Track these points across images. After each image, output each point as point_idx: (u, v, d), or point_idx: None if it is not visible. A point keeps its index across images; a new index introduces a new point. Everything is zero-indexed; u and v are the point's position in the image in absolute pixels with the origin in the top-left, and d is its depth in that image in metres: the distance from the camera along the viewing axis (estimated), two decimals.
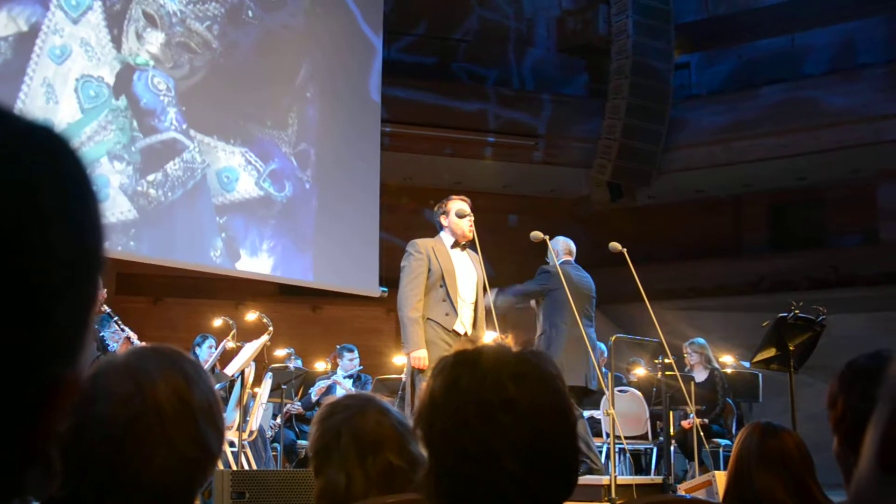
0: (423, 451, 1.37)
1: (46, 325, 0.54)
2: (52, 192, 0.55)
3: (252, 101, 9.13)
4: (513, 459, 1.25)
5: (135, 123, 8.12)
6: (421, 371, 5.34)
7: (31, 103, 7.33)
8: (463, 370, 1.32)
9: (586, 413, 7.48)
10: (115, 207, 7.82)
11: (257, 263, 8.97)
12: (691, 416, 7.04)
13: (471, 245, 5.78)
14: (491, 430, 1.25)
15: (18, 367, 0.54)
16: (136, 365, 1.30)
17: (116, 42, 8.01)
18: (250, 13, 9.11)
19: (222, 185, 8.71)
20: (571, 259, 7.01)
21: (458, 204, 5.76)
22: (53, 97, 7.52)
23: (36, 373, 0.55)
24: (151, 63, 8.29)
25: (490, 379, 1.29)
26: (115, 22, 8.01)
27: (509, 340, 1.49)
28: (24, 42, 7.37)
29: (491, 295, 6.49)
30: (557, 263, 6.70)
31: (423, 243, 5.67)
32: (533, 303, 6.84)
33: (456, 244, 5.70)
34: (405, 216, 13.42)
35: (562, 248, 6.98)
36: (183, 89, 8.58)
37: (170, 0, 8.49)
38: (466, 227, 5.70)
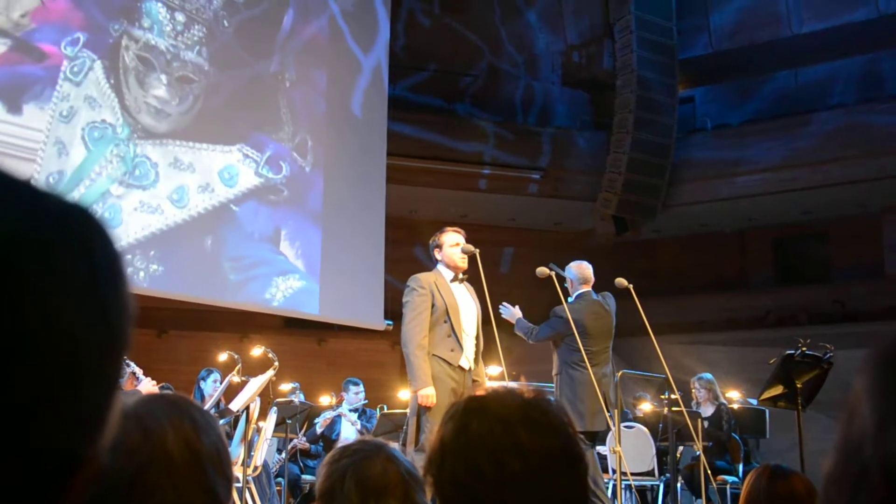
0: (434, 499, 1.36)
1: (71, 405, 0.55)
2: (82, 274, 0.56)
3: (247, 109, 9.34)
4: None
5: (136, 150, 8.45)
6: (428, 409, 5.29)
7: (48, 161, 7.84)
8: (473, 416, 1.32)
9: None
10: (131, 230, 8.28)
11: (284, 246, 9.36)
12: (698, 452, 6.98)
13: (467, 278, 5.74)
14: (501, 475, 1.25)
15: (42, 445, 0.54)
16: (144, 412, 1.30)
17: (117, 91, 8.34)
18: (225, 23, 9.28)
19: (224, 181, 8.98)
20: (590, 288, 6.69)
21: (452, 237, 5.71)
22: (65, 151, 7.94)
23: (59, 451, 0.55)
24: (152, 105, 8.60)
25: (500, 425, 1.29)
26: (112, 73, 8.33)
27: (522, 381, 1.48)
28: (39, 121, 7.84)
29: (513, 317, 6.51)
30: (574, 296, 6.63)
31: (425, 278, 5.61)
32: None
33: (455, 278, 5.68)
34: (395, 251, 13.28)
35: (578, 277, 6.68)
36: (188, 121, 8.85)
37: (158, 38, 8.68)
38: (458, 257, 5.67)
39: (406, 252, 13.41)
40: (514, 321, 6.66)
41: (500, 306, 6.56)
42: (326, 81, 10.22)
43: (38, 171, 7.73)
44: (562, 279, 6.55)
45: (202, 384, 8.28)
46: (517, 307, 6.71)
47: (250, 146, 9.25)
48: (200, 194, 8.82)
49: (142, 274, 8.30)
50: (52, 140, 7.86)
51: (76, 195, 7.96)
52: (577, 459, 1.32)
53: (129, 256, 8.27)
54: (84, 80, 8.09)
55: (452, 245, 5.66)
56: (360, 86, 10.62)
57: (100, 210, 8.09)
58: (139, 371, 6.11)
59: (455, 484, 1.29)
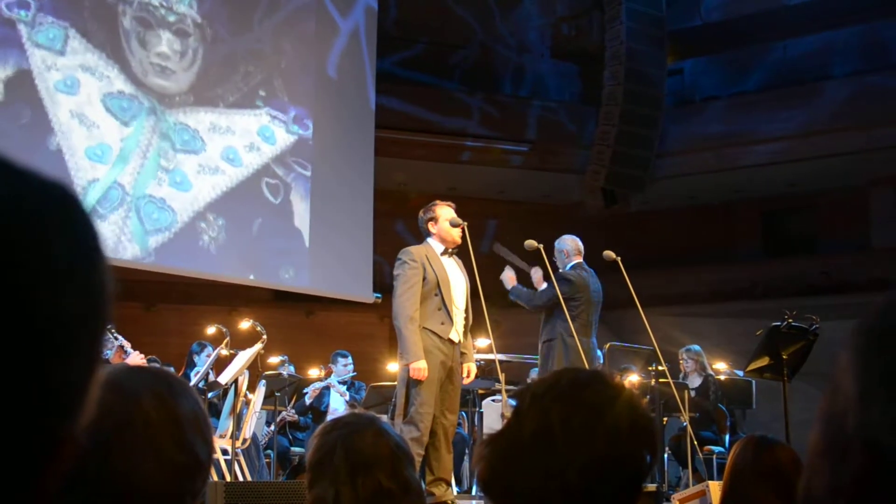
0: (512, 409, 1.37)
1: (51, 382, 0.55)
2: (62, 250, 0.55)
3: (245, 72, 9.46)
4: (578, 476, 1.25)
5: (170, 118, 8.72)
6: (417, 381, 5.30)
7: (73, 136, 7.87)
8: (598, 389, 1.33)
9: None
10: (203, 193, 8.76)
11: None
12: (685, 423, 7.04)
13: (457, 251, 5.75)
14: (580, 443, 1.27)
15: (23, 424, 0.54)
16: (120, 377, 1.30)
17: (118, 57, 8.39)
18: None
19: (265, 139, 9.43)
20: (581, 260, 6.83)
21: (447, 211, 5.72)
22: (89, 122, 8.01)
23: (40, 429, 0.55)
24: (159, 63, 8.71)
25: (614, 411, 1.30)
26: (108, 40, 8.34)
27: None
28: (24, 89, 7.72)
29: (508, 282, 6.52)
30: (569, 267, 6.67)
31: (416, 251, 5.62)
32: None
33: (445, 251, 5.68)
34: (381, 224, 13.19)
35: (571, 248, 6.79)
36: (191, 78, 8.96)
37: None
38: (455, 232, 5.68)
39: (388, 225, 13.36)
40: (508, 287, 6.71)
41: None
42: (307, 49, 10.15)
43: (61, 140, 7.73)
44: (549, 252, 6.60)
45: (195, 357, 8.19)
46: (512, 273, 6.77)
47: (273, 108, 9.54)
48: (249, 153, 9.22)
49: (213, 246, 8.80)
50: (65, 112, 7.85)
51: (140, 163, 8.07)
52: (640, 479, 1.33)
53: (202, 224, 8.63)
54: (66, 48, 8.02)
55: (448, 219, 5.67)
56: (335, 49, 10.52)
57: (172, 175, 8.17)
58: (127, 344, 6.10)
59: (534, 420, 1.30)
